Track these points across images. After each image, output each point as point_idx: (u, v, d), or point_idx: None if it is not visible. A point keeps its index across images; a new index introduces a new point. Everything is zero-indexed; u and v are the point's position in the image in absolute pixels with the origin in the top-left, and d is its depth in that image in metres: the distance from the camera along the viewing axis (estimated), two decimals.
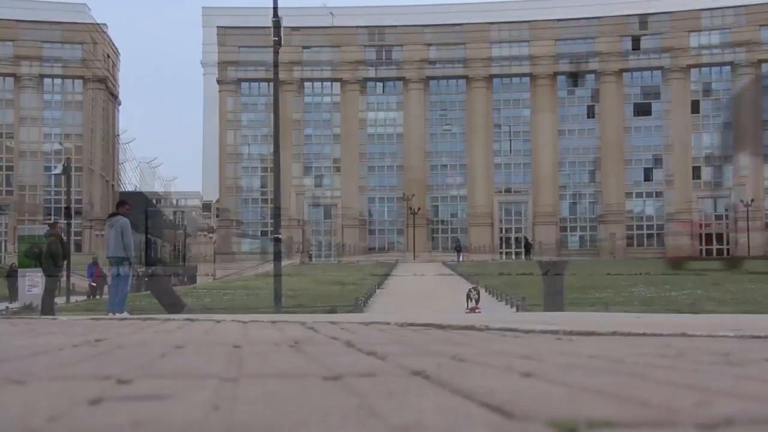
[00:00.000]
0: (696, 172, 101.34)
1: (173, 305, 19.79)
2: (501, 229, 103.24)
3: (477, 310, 26.68)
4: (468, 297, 28.86)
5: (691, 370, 2.95)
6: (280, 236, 26.26)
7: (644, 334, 6.09)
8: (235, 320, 10.50)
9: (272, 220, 27.40)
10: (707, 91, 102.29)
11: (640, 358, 3.60)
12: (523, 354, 3.89)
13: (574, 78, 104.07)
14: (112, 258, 18.82)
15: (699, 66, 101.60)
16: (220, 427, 1.63)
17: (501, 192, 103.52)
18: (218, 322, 9.83)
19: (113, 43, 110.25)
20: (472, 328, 7.28)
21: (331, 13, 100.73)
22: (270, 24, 26.92)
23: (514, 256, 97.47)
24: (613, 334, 6.22)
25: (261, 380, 2.66)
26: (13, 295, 47.90)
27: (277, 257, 26.19)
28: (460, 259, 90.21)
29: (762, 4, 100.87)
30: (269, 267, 43.50)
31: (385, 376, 2.73)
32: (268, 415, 1.80)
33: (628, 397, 2.10)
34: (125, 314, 17.32)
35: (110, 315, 17.52)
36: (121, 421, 1.74)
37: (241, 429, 1.62)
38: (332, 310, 25.61)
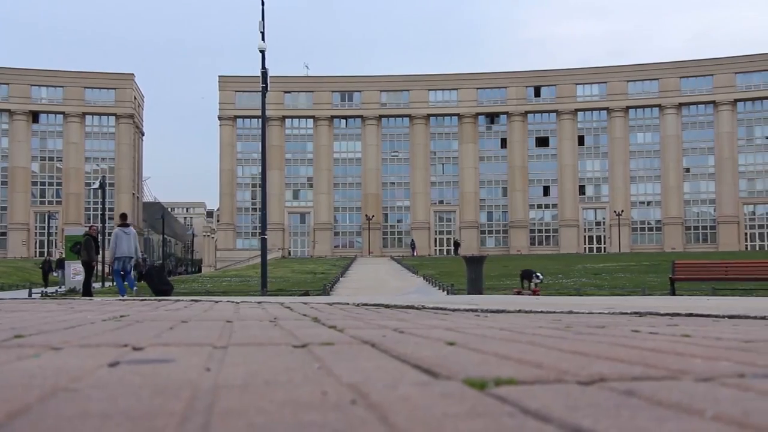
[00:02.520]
0: (582, 189, 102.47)
1: (161, 291, 19.54)
2: (436, 232, 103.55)
3: (537, 292, 23.39)
4: (530, 280, 24.47)
5: (575, 339, 2.95)
6: (266, 236, 26.06)
7: (541, 312, 6.12)
8: (230, 301, 10.41)
9: (260, 224, 27.10)
10: (589, 129, 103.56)
11: (537, 330, 3.60)
12: (449, 327, 3.87)
13: (491, 117, 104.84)
14: (125, 257, 19.00)
15: (583, 110, 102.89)
16: (208, 385, 1.60)
17: (436, 204, 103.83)
18: (216, 302, 9.74)
19: (139, 89, 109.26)
20: (411, 307, 7.26)
21: (306, 66, 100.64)
22: (262, 81, 26.77)
23: (445, 253, 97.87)
24: (518, 311, 6.23)
25: (245, 348, 2.61)
26: (46, 282, 47.22)
27: (264, 252, 25.98)
28: (415, 254, 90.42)
29: (630, 65, 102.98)
30: (257, 260, 43.20)
31: (341, 345, 2.70)
32: (247, 375, 1.76)
33: (527, 360, 2.09)
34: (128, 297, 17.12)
35: (123, 297, 17.38)
36: (132, 380, 1.70)
37: (224, 386, 1.58)
38: (305, 293, 25.47)
